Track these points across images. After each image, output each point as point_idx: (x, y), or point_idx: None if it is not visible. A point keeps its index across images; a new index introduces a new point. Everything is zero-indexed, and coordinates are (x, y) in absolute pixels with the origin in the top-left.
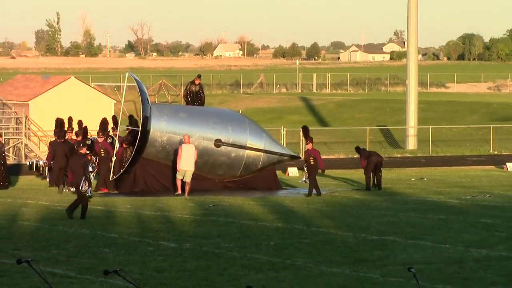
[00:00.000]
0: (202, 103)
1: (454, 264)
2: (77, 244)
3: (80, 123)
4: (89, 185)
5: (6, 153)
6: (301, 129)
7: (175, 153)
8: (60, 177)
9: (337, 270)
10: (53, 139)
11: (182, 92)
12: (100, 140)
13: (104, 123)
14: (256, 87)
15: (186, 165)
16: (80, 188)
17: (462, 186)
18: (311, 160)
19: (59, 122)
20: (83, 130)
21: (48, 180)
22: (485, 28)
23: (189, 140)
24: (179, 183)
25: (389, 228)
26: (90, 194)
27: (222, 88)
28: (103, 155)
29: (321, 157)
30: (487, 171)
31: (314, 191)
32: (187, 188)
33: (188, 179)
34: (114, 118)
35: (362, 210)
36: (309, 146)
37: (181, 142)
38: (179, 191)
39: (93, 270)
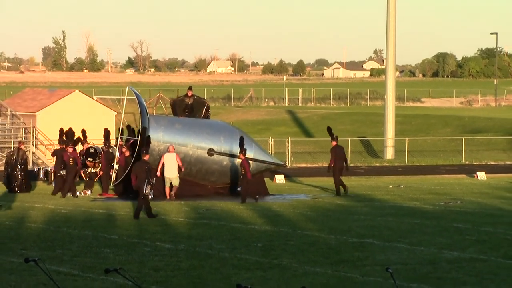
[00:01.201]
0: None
1: (428, 265)
2: (80, 244)
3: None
4: (151, 188)
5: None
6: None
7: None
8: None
9: (320, 270)
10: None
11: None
12: (70, 150)
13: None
14: (246, 101)
15: (168, 173)
16: (144, 191)
17: (436, 193)
18: (242, 170)
19: (63, 132)
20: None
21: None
22: (457, 47)
23: (173, 149)
24: (167, 191)
25: (368, 232)
26: (152, 196)
27: (215, 101)
28: (71, 164)
29: (306, 165)
30: (459, 180)
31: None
32: (174, 189)
33: (175, 183)
34: (106, 131)
35: (343, 215)
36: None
37: (176, 152)
38: (168, 197)
39: (95, 269)
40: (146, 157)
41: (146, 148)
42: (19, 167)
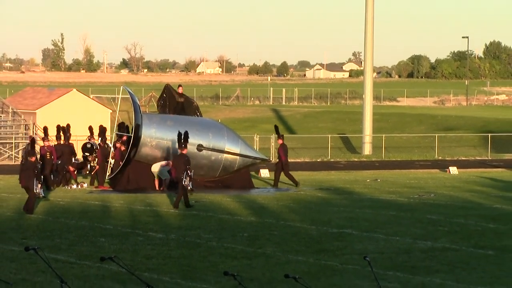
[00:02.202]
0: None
1: (403, 254)
2: (77, 234)
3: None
4: (190, 179)
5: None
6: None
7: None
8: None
9: (302, 259)
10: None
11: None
12: (47, 144)
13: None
14: (233, 100)
15: (155, 168)
16: (183, 182)
17: (411, 186)
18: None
19: (60, 128)
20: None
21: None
22: (431, 50)
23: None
24: (156, 183)
25: (347, 223)
26: (191, 187)
27: (203, 100)
28: (48, 157)
29: (289, 160)
30: (432, 174)
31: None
32: (164, 182)
33: (164, 176)
34: (101, 128)
35: (324, 207)
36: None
37: (166, 148)
38: (157, 188)
39: (91, 257)
40: (185, 151)
41: (184, 142)
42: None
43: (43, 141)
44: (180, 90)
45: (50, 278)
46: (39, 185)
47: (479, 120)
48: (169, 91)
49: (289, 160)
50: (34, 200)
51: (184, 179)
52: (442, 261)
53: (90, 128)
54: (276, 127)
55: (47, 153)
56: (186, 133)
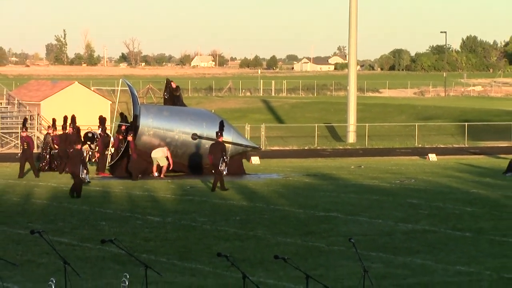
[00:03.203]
0: (181, 104)
1: (386, 236)
2: (79, 218)
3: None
4: (226, 165)
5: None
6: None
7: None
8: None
9: (291, 240)
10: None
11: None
12: (24, 134)
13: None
14: (226, 91)
15: (155, 154)
16: (220, 167)
17: (392, 172)
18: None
19: (67, 119)
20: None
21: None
22: (411, 44)
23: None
24: (154, 169)
25: (333, 207)
26: (226, 172)
27: (198, 92)
28: (25, 147)
29: (278, 148)
30: (413, 161)
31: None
32: (163, 170)
33: (162, 163)
34: (102, 118)
35: (311, 192)
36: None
37: (163, 137)
38: (154, 173)
39: (92, 240)
40: (221, 139)
41: (220, 131)
42: (48, 150)
43: (50, 129)
44: (173, 85)
45: (54, 259)
46: (85, 171)
47: (456, 110)
48: (170, 85)
49: (277, 148)
50: (80, 184)
51: (220, 164)
52: (422, 242)
53: (100, 118)
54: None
55: (24, 143)
56: (222, 122)
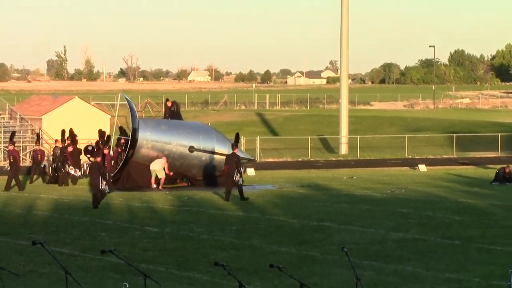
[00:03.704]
0: (179, 118)
1: (377, 245)
2: (80, 229)
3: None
4: (240, 176)
5: (24, 157)
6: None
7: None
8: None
9: (285, 249)
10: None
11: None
12: (10, 148)
13: (72, 134)
14: (221, 105)
15: (154, 166)
16: (234, 178)
17: (384, 183)
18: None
19: (64, 133)
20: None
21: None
22: (401, 58)
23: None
24: (153, 181)
25: (326, 216)
26: (241, 182)
27: (194, 106)
28: (11, 161)
29: (273, 159)
30: (403, 171)
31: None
32: (161, 182)
33: (160, 176)
34: (101, 132)
35: (305, 202)
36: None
37: (161, 150)
38: (153, 186)
39: (93, 250)
40: (236, 150)
41: (235, 143)
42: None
43: (57, 142)
44: (169, 103)
45: (56, 269)
46: (104, 182)
47: (445, 122)
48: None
49: (272, 160)
50: (98, 196)
51: (235, 175)
52: (413, 250)
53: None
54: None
55: (11, 157)
56: (237, 135)
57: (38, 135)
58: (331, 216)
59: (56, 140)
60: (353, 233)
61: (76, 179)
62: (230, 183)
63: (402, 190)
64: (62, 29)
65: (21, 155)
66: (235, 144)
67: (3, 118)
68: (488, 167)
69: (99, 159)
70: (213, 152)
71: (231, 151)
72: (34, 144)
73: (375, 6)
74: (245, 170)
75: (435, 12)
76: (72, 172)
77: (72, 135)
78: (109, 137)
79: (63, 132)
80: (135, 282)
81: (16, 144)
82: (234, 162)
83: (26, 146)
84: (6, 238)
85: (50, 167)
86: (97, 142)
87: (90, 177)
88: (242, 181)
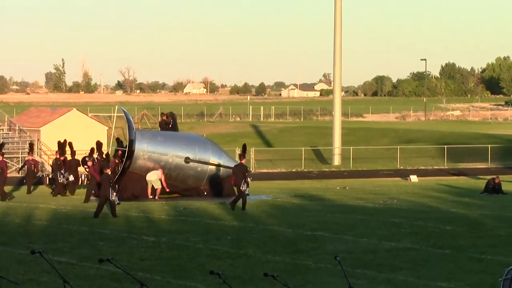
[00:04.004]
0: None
1: (370, 254)
2: (78, 238)
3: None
4: (247, 186)
5: (23, 168)
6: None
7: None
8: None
9: (280, 258)
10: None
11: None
12: (31, 158)
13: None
14: (217, 117)
15: (150, 177)
16: (241, 188)
17: (376, 193)
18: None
19: (60, 144)
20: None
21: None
22: (393, 71)
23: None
24: (149, 191)
25: (319, 226)
26: (248, 193)
27: (190, 118)
28: (32, 169)
29: (267, 170)
30: (395, 182)
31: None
32: (157, 192)
33: (156, 186)
34: (98, 143)
35: (299, 212)
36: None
37: (157, 161)
38: (149, 196)
39: (91, 259)
40: (243, 161)
41: (243, 153)
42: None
43: (57, 154)
44: (164, 117)
45: (54, 278)
46: (114, 193)
47: (436, 133)
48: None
49: (266, 171)
50: (103, 205)
51: (242, 185)
52: (404, 259)
53: (64, 143)
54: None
55: (32, 165)
56: (244, 146)
57: (31, 145)
58: (325, 226)
59: (56, 152)
60: (346, 242)
61: (74, 187)
62: (239, 192)
63: (394, 200)
64: (61, 43)
65: (19, 166)
66: (243, 155)
67: (2, 129)
68: (480, 178)
69: (108, 170)
70: (208, 163)
71: (239, 162)
72: (27, 155)
73: (368, 20)
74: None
75: (426, 25)
76: (64, 179)
77: (70, 146)
78: (92, 149)
79: (59, 143)
80: None
81: (14, 155)
82: (242, 172)
83: (24, 157)
84: (6, 248)
85: (47, 178)
86: (106, 154)
87: (101, 188)
88: (248, 192)
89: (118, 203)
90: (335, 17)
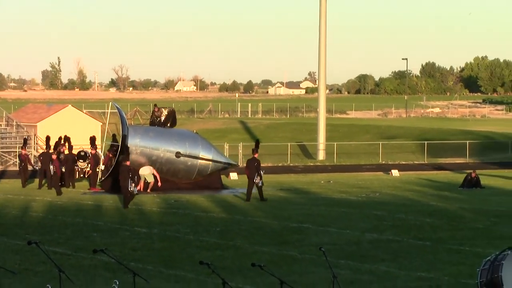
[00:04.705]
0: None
1: (353, 245)
2: (73, 230)
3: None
4: (260, 178)
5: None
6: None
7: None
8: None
9: (266, 249)
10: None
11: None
12: (24, 152)
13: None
14: (206, 113)
15: (143, 171)
16: (254, 180)
17: (359, 187)
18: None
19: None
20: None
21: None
22: (375, 70)
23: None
24: (141, 185)
25: (305, 218)
26: (261, 184)
27: (180, 114)
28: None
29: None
30: (377, 176)
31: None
32: (149, 185)
33: (149, 180)
34: (92, 138)
35: (285, 205)
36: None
37: (149, 155)
38: (141, 189)
39: (85, 249)
40: (256, 155)
41: (256, 148)
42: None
43: (22, 149)
44: (156, 109)
45: (50, 268)
46: (133, 185)
47: (416, 130)
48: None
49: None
50: (128, 196)
51: (255, 178)
52: (386, 251)
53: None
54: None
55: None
56: (258, 141)
57: (25, 139)
58: (310, 218)
59: (48, 146)
60: (331, 234)
61: (73, 181)
62: (251, 185)
63: (377, 194)
64: (57, 42)
65: (16, 160)
66: (256, 149)
67: (0, 125)
68: (457, 172)
69: (128, 162)
70: (198, 157)
71: (252, 156)
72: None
73: (352, 21)
74: (228, 175)
75: (408, 26)
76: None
77: (68, 141)
78: (57, 142)
79: (47, 138)
80: (125, 279)
81: (11, 149)
82: (254, 166)
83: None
84: (3, 238)
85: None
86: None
87: (120, 179)
88: (262, 183)
89: (136, 194)
90: (320, 18)
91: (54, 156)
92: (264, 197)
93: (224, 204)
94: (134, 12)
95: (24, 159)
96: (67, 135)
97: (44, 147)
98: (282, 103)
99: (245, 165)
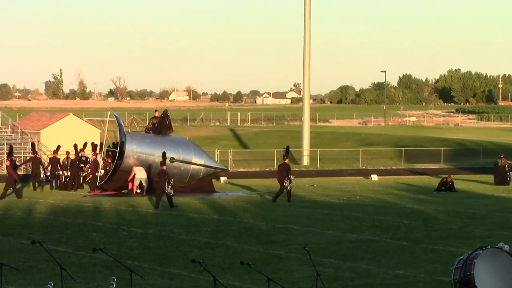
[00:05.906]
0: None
1: (335, 245)
2: (74, 229)
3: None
4: (290, 182)
5: (24, 166)
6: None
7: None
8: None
9: (254, 248)
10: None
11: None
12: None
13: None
14: (198, 121)
15: (139, 175)
16: (284, 184)
17: (341, 190)
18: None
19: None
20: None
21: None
22: (356, 81)
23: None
24: (135, 188)
25: (290, 219)
26: (289, 188)
27: (174, 122)
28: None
29: (243, 169)
30: (358, 180)
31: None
32: (145, 188)
33: (145, 183)
34: (93, 144)
35: (272, 206)
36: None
37: (145, 160)
38: (135, 192)
39: (85, 248)
40: (287, 161)
41: (286, 154)
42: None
43: (69, 154)
44: (156, 114)
45: (52, 265)
46: (169, 187)
47: (394, 137)
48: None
49: (243, 170)
50: (160, 197)
51: (285, 181)
52: (366, 250)
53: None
54: (287, 148)
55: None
56: (288, 147)
57: (33, 145)
58: (295, 219)
59: (67, 152)
60: (314, 234)
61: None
62: (281, 188)
63: (357, 197)
64: (59, 54)
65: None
66: (286, 155)
67: (6, 132)
68: (432, 177)
69: (164, 167)
70: (191, 163)
71: (282, 161)
72: (32, 154)
73: (334, 35)
74: (219, 179)
75: (386, 41)
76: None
77: (75, 147)
78: (11, 149)
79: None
80: (122, 276)
81: (16, 155)
82: (285, 170)
83: (26, 157)
84: (8, 238)
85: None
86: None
87: (158, 182)
88: (291, 187)
89: (173, 195)
90: (305, 33)
91: (7, 163)
92: (290, 200)
93: (215, 206)
94: (132, 27)
95: (36, 164)
96: (86, 142)
97: (47, 152)
98: (269, 112)
99: (230, 169)
